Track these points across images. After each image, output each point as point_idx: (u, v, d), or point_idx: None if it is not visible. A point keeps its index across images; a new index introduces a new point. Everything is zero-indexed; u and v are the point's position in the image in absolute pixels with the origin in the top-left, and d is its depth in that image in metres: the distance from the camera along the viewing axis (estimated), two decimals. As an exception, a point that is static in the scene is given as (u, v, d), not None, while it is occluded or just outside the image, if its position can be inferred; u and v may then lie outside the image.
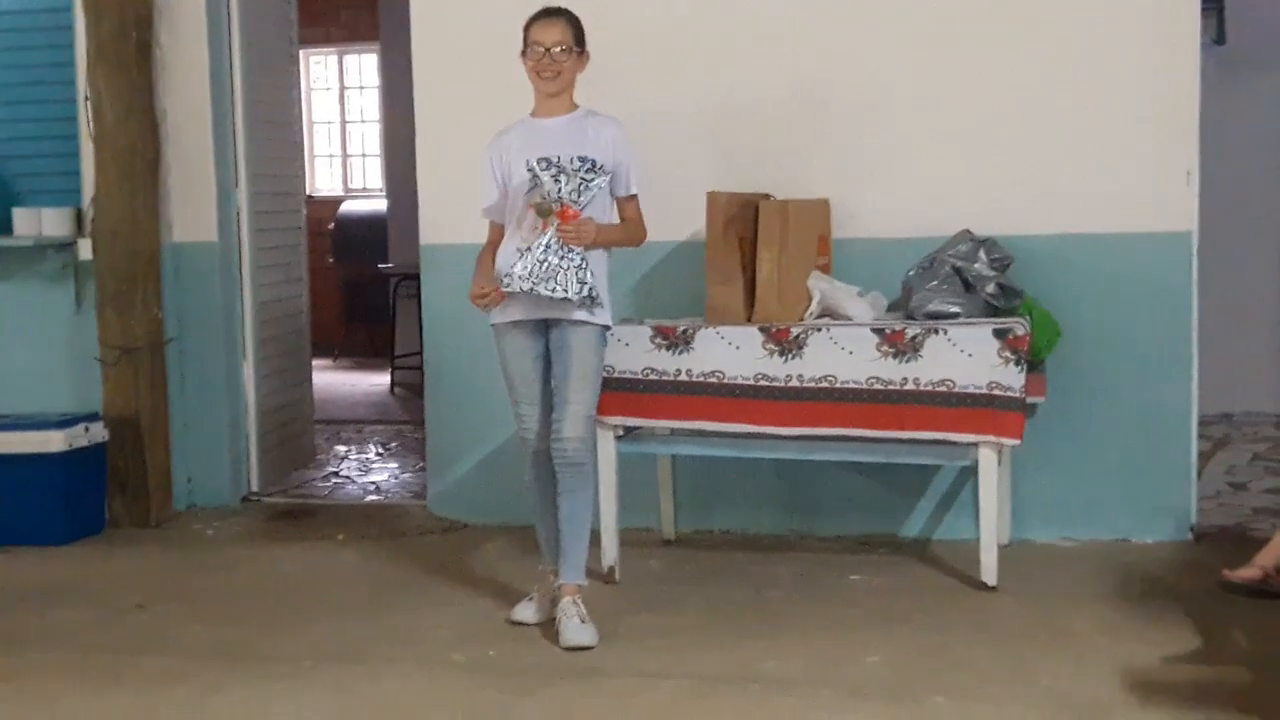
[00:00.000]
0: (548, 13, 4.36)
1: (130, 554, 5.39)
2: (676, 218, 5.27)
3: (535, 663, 4.10)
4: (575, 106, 4.38)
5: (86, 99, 5.71)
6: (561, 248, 4.18)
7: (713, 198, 4.96)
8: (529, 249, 4.19)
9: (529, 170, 4.19)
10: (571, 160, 4.18)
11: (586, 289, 4.19)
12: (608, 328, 4.37)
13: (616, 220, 4.41)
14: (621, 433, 4.90)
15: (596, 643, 4.18)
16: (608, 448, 4.85)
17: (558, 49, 4.28)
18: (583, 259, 4.20)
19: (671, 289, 5.34)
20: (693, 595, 4.69)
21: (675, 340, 4.84)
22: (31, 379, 5.90)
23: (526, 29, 4.35)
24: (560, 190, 4.16)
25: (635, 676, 3.97)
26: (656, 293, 5.38)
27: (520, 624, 4.41)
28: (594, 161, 4.21)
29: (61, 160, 5.94)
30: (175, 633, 4.45)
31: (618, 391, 4.81)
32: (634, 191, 4.38)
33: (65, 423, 5.53)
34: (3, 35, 5.96)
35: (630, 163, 4.35)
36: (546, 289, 4.17)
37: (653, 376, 4.85)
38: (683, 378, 4.83)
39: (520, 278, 4.17)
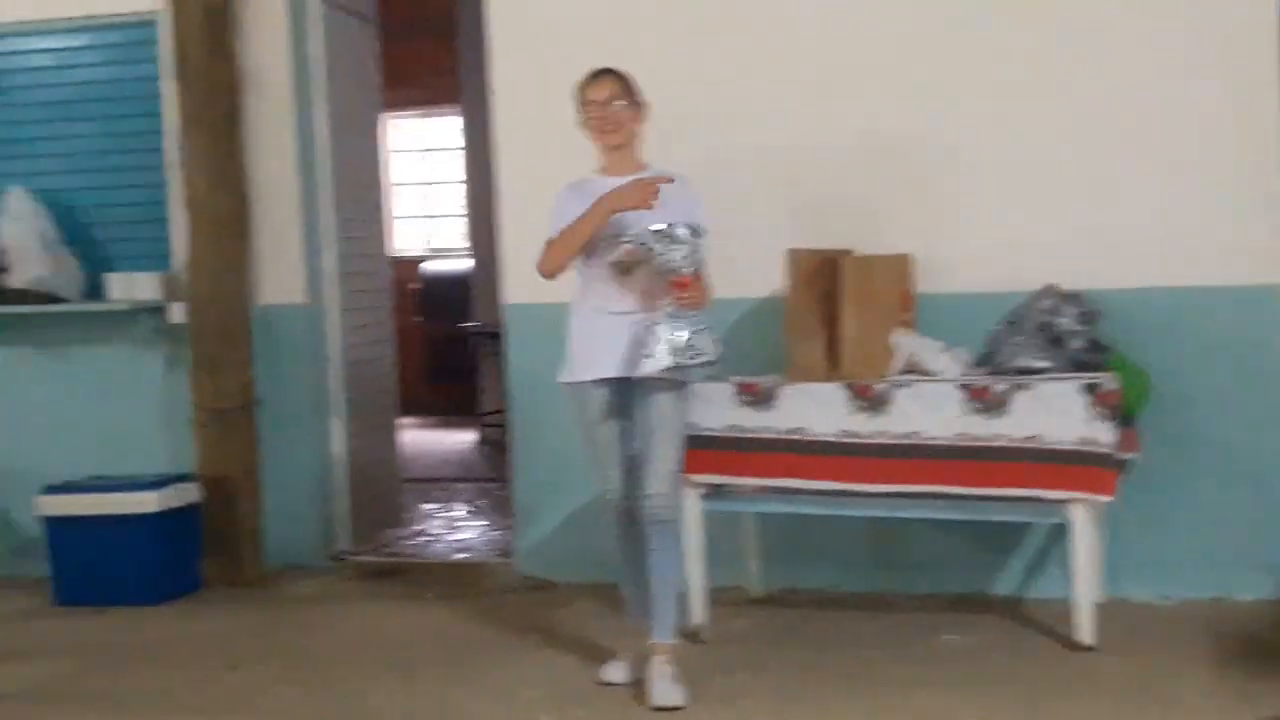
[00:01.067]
0: (597, 73, 4.38)
1: (223, 613, 5.45)
2: (756, 274, 5.28)
3: (623, 723, 4.09)
4: (644, 165, 4.38)
5: (177, 166, 5.84)
6: (682, 317, 4.14)
7: (793, 255, 4.97)
8: (651, 328, 4.14)
9: (641, 243, 4.15)
10: (682, 227, 4.13)
11: (711, 350, 4.15)
12: (690, 387, 4.34)
13: None
14: (707, 491, 4.89)
15: (686, 703, 4.15)
16: (693, 506, 4.84)
17: (615, 102, 4.31)
18: (696, 325, 4.15)
19: (752, 345, 5.33)
20: (782, 655, 4.65)
21: (759, 397, 4.83)
22: (125, 440, 6.00)
23: (579, 92, 4.37)
24: (674, 259, 4.11)
25: (726, 738, 3.94)
26: (737, 349, 5.35)
27: (609, 684, 4.39)
28: (697, 226, 4.17)
29: (151, 226, 6.08)
30: (267, 694, 4.48)
31: (702, 449, 4.80)
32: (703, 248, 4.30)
33: (159, 483, 5.62)
34: (95, 105, 6.11)
35: (701, 216, 4.26)
36: (687, 358, 4.12)
37: (737, 434, 4.84)
38: (767, 435, 4.82)
39: (661, 361, 4.12)
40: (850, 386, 4.74)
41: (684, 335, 4.13)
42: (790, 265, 4.95)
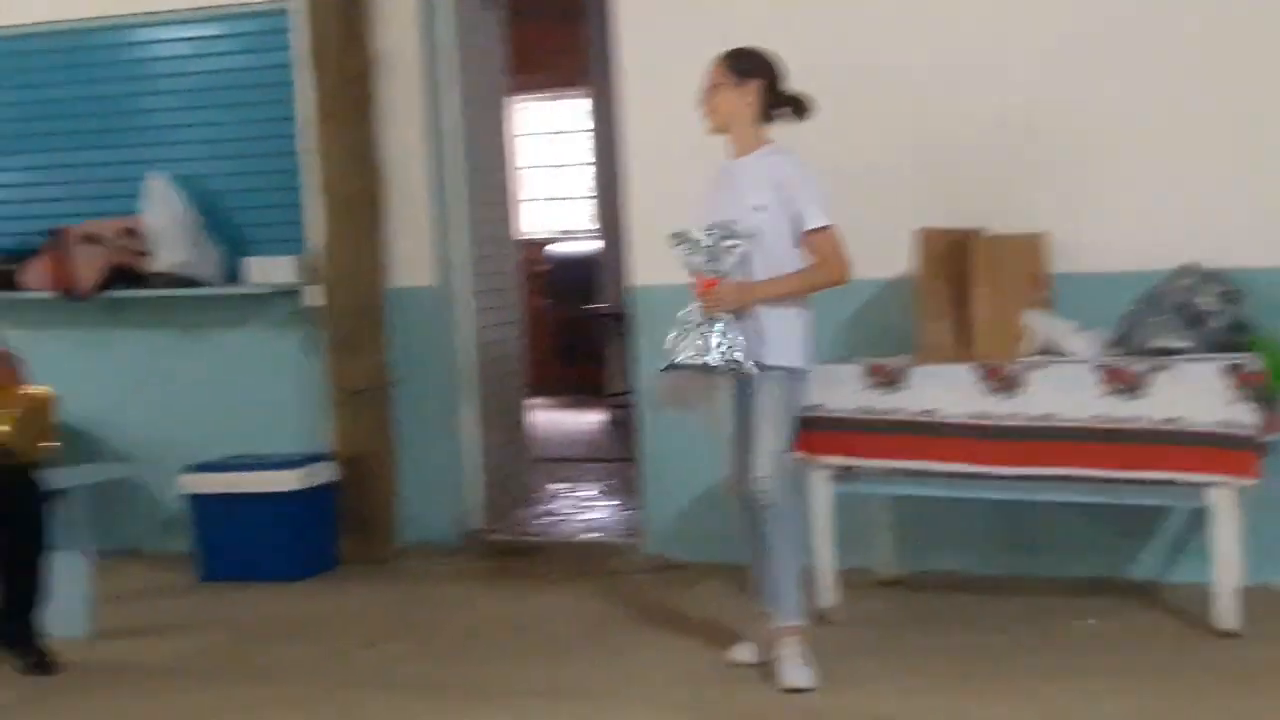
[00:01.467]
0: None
1: (359, 590, 5.56)
2: (885, 254, 5.22)
3: (754, 705, 4.10)
4: (762, 143, 4.30)
5: (311, 151, 5.96)
6: (704, 316, 4.19)
7: (922, 235, 4.92)
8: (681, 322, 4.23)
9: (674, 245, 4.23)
10: (705, 230, 4.18)
11: (723, 356, 4.16)
12: (795, 370, 4.27)
13: (797, 263, 4.24)
14: (836, 473, 4.87)
15: (815, 685, 4.16)
16: (822, 488, 4.83)
17: (708, 87, 4.29)
18: (724, 326, 4.17)
19: (881, 326, 5.30)
20: (913, 638, 4.63)
21: (888, 379, 4.80)
22: (264, 420, 6.14)
23: None
24: (695, 263, 4.17)
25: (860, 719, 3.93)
26: (867, 330, 5.34)
27: (739, 664, 4.41)
28: (728, 225, 4.16)
29: (287, 210, 6.19)
30: (402, 669, 4.57)
31: (830, 431, 4.79)
32: (817, 225, 4.20)
33: (297, 462, 5.75)
34: (230, 93, 6.24)
35: (808, 196, 4.20)
36: (686, 358, 4.20)
37: (866, 416, 4.81)
38: (897, 417, 4.78)
39: (670, 353, 4.24)
40: (982, 368, 4.68)
41: (712, 338, 4.17)
42: (920, 245, 4.91)
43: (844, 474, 4.89)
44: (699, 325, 4.21)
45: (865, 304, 5.37)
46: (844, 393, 4.80)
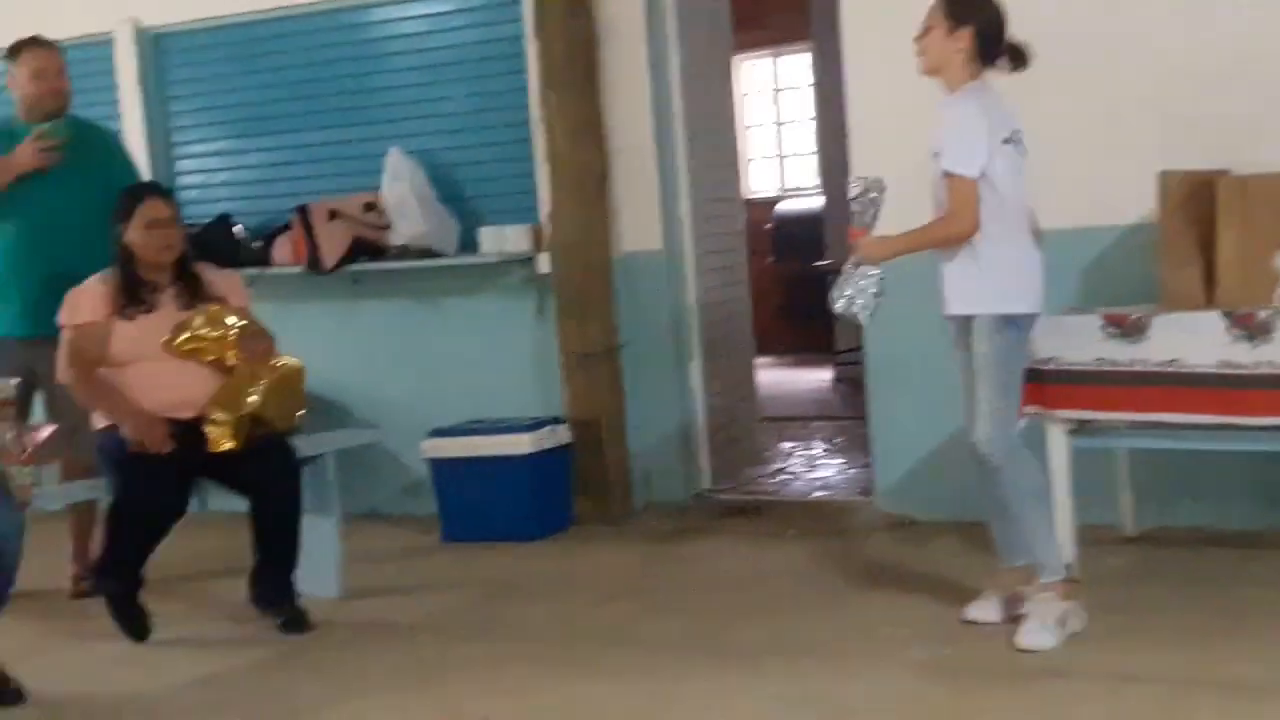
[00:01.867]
0: None
1: (594, 550, 5.67)
2: (1125, 199, 5.08)
3: (992, 662, 4.04)
4: (960, 88, 4.17)
5: (541, 120, 6.06)
6: (852, 265, 4.25)
7: (1165, 178, 4.74)
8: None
9: None
10: (852, 182, 4.26)
11: (859, 307, 4.22)
12: (1001, 316, 4.12)
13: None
14: (1074, 427, 4.74)
15: (1050, 647, 4.07)
16: (1059, 443, 4.71)
17: (922, 29, 4.21)
18: (856, 275, 4.22)
19: (1122, 275, 5.13)
20: (1159, 595, 4.50)
21: (1129, 329, 4.63)
22: (501, 386, 6.29)
23: None
24: (852, 211, 4.25)
25: (1100, 680, 3.84)
26: (1107, 279, 5.18)
27: (974, 622, 4.35)
28: (867, 180, 4.21)
29: (520, 180, 6.31)
30: (641, 625, 4.66)
31: (1067, 384, 4.65)
32: (946, 169, 4.06)
33: (532, 426, 5.87)
34: (464, 66, 6.39)
35: (949, 141, 4.08)
36: (835, 305, 4.28)
37: (1105, 367, 4.65)
38: (1138, 368, 4.62)
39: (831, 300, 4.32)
40: (1229, 315, 4.48)
41: (846, 287, 4.24)
42: (1163, 188, 4.72)
43: (1082, 428, 4.77)
44: (847, 275, 4.26)
45: (1104, 251, 5.21)
46: (1081, 344, 4.66)
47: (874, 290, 4.22)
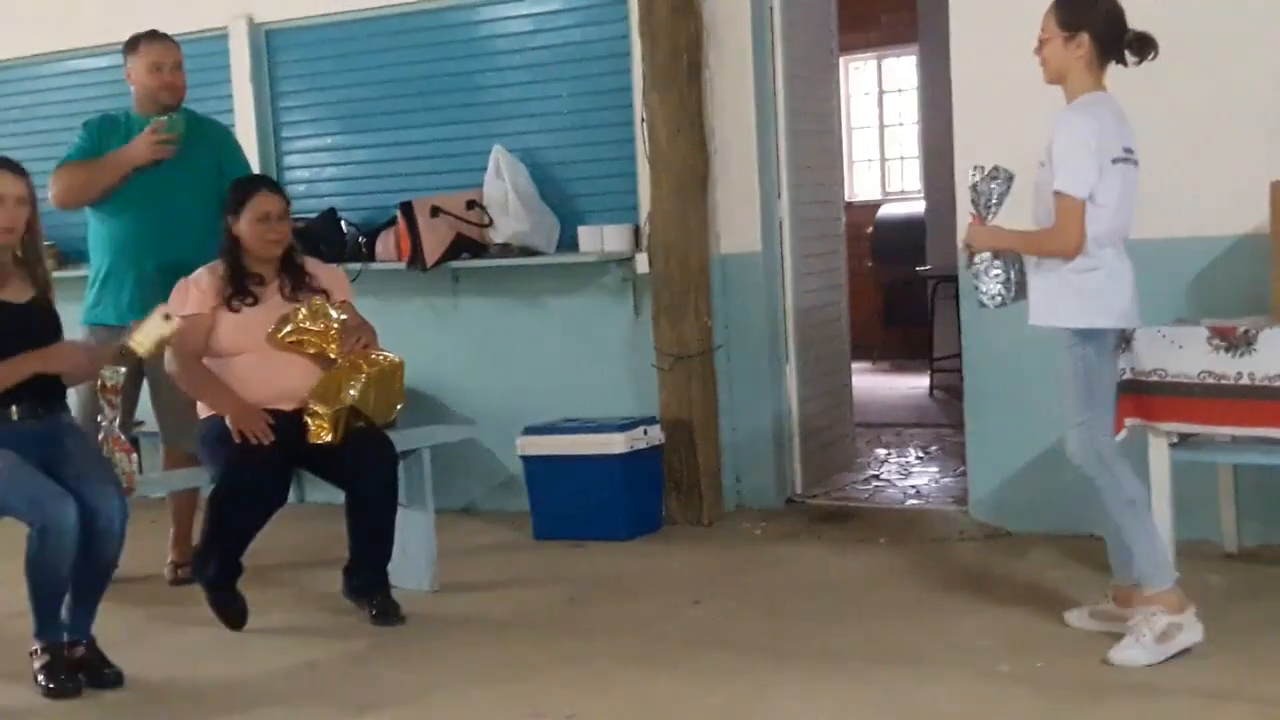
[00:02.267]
0: None
1: (685, 551, 5.68)
2: (1236, 208, 4.98)
3: (1084, 676, 3.98)
4: (1080, 95, 4.13)
5: (643, 120, 6.08)
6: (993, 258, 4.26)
7: (1278, 188, 4.63)
8: None
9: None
10: (973, 170, 4.27)
11: (990, 296, 4.27)
12: (1081, 330, 4.13)
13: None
14: (1176, 439, 4.66)
15: (1145, 663, 4.00)
16: (1161, 455, 4.62)
17: (1040, 40, 4.17)
18: (996, 264, 4.24)
19: (1231, 286, 5.03)
20: (1258, 612, 4.41)
21: (1236, 341, 4.53)
22: (596, 385, 6.31)
23: None
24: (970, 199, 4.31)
25: (1195, 697, 3.78)
26: (1215, 290, 5.08)
27: (1073, 628, 4.32)
28: (987, 169, 4.22)
29: (621, 180, 6.32)
30: (728, 627, 4.65)
31: (1171, 396, 4.56)
32: (1056, 189, 4.04)
33: (626, 426, 5.88)
34: (570, 65, 6.40)
35: (1060, 159, 4.05)
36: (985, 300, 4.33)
37: (1210, 380, 4.55)
38: (1244, 381, 4.52)
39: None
40: (1340, 330, 4.38)
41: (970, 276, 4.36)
42: (1275, 199, 4.63)
43: (1184, 441, 4.68)
44: (980, 268, 4.29)
45: (1212, 262, 5.12)
46: (1186, 356, 4.56)
47: (1000, 280, 4.25)
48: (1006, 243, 4.21)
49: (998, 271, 4.24)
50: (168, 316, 4.38)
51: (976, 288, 4.29)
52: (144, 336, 4.38)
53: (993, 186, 4.21)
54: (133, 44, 5.57)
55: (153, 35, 5.56)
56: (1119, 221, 4.12)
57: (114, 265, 5.44)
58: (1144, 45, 4.14)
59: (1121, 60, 4.16)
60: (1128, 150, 4.12)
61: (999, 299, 4.27)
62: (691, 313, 6.02)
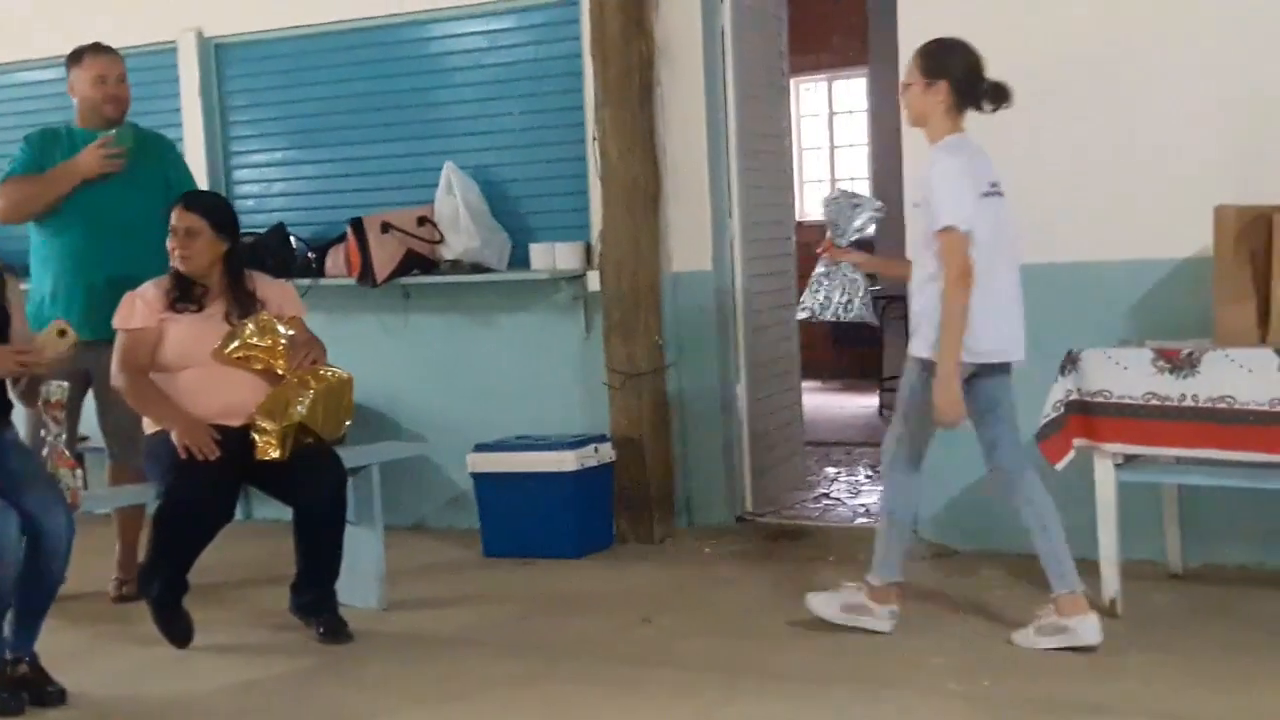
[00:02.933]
0: None
1: (636, 569, 5.67)
2: (1178, 233, 5.05)
3: (1034, 696, 4.00)
4: (941, 139, 4.39)
5: (594, 139, 6.08)
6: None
7: (1221, 212, 4.70)
8: None
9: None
10: (833, 195, 4.75)
11: (804, 307, 4.78)
12: (920, 360, 4.42)
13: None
14: (1121, 460, 4.70)
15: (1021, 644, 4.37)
16: (1107, 476, 4.67)
17: (901, 85, 4.50)
18: (831, 284, 4.72)
19: (1173, 309, 5.09)
20: (1203, 633, 4.45)
21: (1180, 364, 4.59)
22: (547, 402, 6.30)
23: None
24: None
25: (1142, 716, 3.80)
26: (1158, 313, 5.14)
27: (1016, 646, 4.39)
28: (847, 195, 4.74)
29: (573, 198, 6.33)
30: (678, 647, 4.65)
31: (1116, 417, 4.62)
32: (942, 225, 4.26)
33: (577, 443, 5.88)
34: (522, 84, 6.40)
35: (937, 196, 4.28)
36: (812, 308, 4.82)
37: (1154, 402, 4.62)
38: (1188, 403, 4.58)
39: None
40: (1282, 352, 4.45)
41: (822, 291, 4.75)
42: (1217, 223, 4.69)
43: (1129, 462, 4.73)
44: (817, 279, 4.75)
45: (1156, 285, 5.17)
46: (1131, 378, 4.62)
47: (821, 298, 4.73)
48: (951, 356, 4.28)
49: (829, 290, 4.71)
50: (63, 332, 4.22)
51: (809, 289, 4.73)
52: (41, 350, 4.20)
53: (853, 213, 4.63)
54: (76, 56, 5.52)
55: (96, 48, 5.52)
56: (995, 255, 4.31)
57: (61, 280, 5.38)
58: (999, 95, 4.38)
59: (979, 107, 4.39)
60: (993, 185, 4.35)
61: (808, 312, 4.77)
62: (642, 331, 6.03)
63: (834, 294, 4.69)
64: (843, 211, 4.63)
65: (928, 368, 4.36)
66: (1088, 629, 4.30)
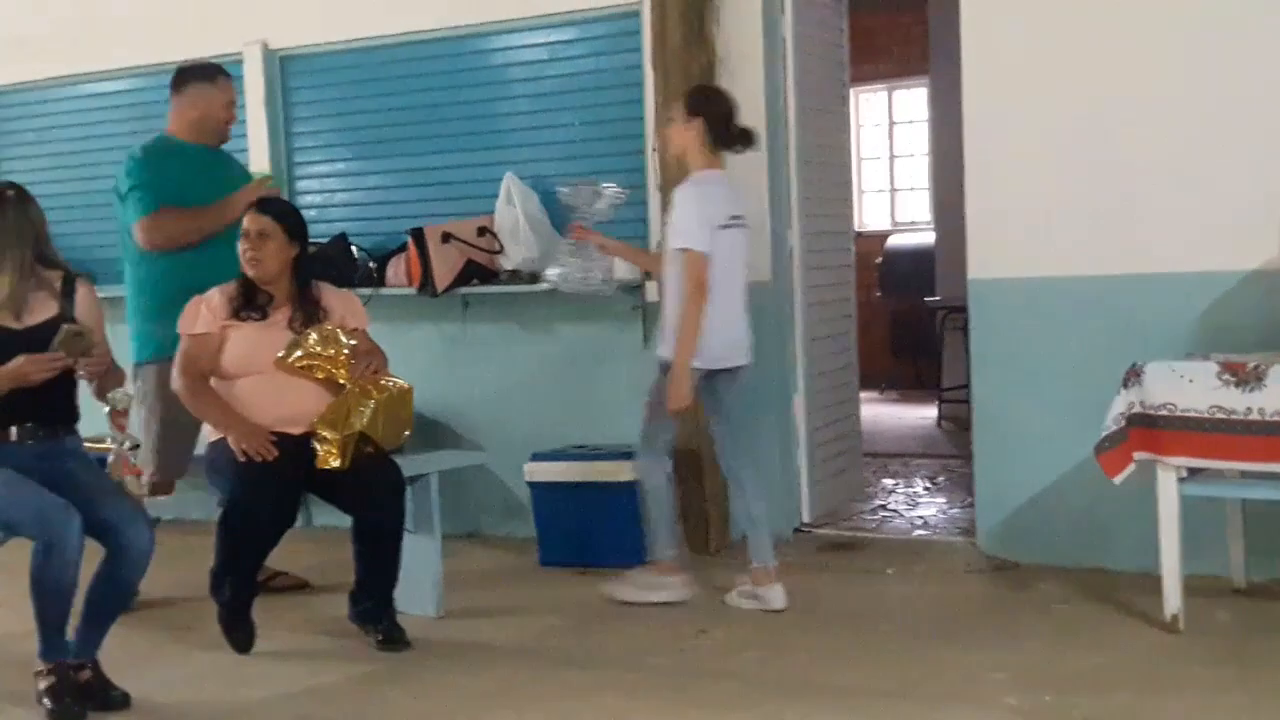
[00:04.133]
0: None
1: (691, 580, 5.65)
2: (1246, 244, 4.99)
3: (1091, 710, 3.96)
4: (696, 171, 5.08)
5: (654, 150, 6.09)
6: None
7: (1287, 224, 4.65)
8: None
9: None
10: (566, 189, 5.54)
11: (556, 274, 5.65)
12: (670, 362, 5.06)
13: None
14: (1185, 474, 4.65)
15: (629, 600, 5.13)
16: (1170, 489, 4.62)
17: (665, 121, 5.23)
18: (579, 262, 5.60)
19: (1240, 322, 5.04)
20: (1264, 650, 4.39)
21: (1246, 377, 4.54)
22: (605, 412, 6.30)
23: None
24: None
25: (1204, 734, 3.76)
26: (1224, 326, 5.08)
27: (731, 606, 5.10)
28: (584, 187, 5.49)
29: (631, 208, 6.26)
30: (733, 659, 4.64)
31: (1180, 430, 4.57)
32: (680, 247, 4.99)
33: (633, 454, 5.86)
34: (583, 95, 6.40)
35: (679, 224, 4.99)
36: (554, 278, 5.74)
37: (1219, 415, 4.56)
38: (1254, 416, 4.52)
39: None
40: (1350, 366, 4.38)
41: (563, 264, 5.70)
42: (1284, 235, 4.65)
43: (1193, 475, 4.67)
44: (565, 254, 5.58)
45: (1221, 297, 5.12)
46: (1196, 391, 4.57)
47: (563, 270, 5.51)
48: (686, 355, 4.98)
49: (577, 268, 5.51)
50: (78, 334, 4.25)
51: (554, 263, 5.53)
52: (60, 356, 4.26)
53: (594, 199, 5.42)
54: (210, 74, 5.64)
55: (226, 72, 5.67)
56: (728, 277, 5.01)
57: (178, 297, 5.18)
58: (745, 139, 5.15)
59: (730, 148, 5.12)
60: (734, 217, 5.07)
61: (552, 283, 5.62)
62: (700, 341, 6.01)
63: (574, 270, 5.50)
64: (584, 198, 5.41)
65: (666, 368, 5.05)
66: (775, 596, 5.10)
